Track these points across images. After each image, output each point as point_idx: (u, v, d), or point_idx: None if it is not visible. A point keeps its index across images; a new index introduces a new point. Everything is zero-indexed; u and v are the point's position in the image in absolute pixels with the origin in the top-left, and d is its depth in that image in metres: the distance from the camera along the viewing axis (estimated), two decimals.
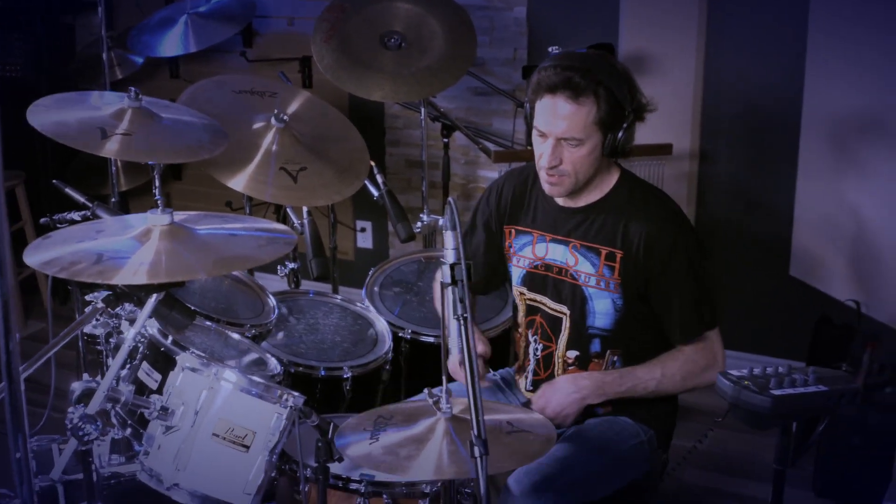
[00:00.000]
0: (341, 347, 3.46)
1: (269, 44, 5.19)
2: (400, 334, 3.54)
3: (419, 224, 4.22)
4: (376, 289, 3.76)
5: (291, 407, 2.42)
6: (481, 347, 2.96)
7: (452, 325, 2.13)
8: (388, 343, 3.47)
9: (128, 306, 2.71)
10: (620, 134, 2.73)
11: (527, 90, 2.80)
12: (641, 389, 2.82)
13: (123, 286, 2.45)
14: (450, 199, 2.13)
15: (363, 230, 5.42)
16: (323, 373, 3.29)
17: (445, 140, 4.48)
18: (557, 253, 2.90)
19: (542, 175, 2.80)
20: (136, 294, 2.46)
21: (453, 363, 2.94)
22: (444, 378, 2.36)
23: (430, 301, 3.71)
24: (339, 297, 3.71)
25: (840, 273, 4.16)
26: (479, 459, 2.02)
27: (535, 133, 2.78)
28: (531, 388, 3.00)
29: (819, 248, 4.30)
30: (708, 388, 2.76)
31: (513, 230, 3.01)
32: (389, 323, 3.56)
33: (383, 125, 5.17)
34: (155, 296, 2.32)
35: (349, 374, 3.29)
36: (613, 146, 2.74)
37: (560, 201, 2.89)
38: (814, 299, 4.30)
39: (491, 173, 5.04)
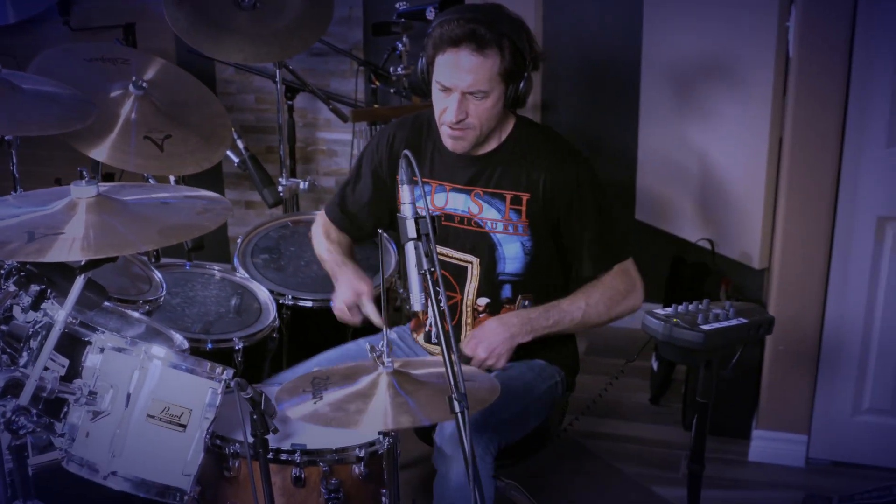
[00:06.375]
0: (226, 319, 3.34)
1: (88, 12, 4.94)
2: (281, 301, 3.46)
3: (280, 188, 4.12)
4: (246, 257, 3.64)
5: (225, 380, 2.32)
6: (365, 287, 2.92)
7: (414, 280, 2.08)
8: (272, 311, 3.38)
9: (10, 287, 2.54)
10: (522, 84, 2.74)
11: (425, 45, 2.75)
12: (569, 321, 2.82)
13: (33, 266, 2.30)
14: (406, 151, 2.08)
15: None
16: (210, 346, 3.17)
17: (290, 103, 4.40)
18: (458, 202, 2.88)
19: (445, 130, 2.77)
20: (46, 274, 2.30)
21: (340, 307, 2.92)
22: (385, 331, 2.36)
23: (305, 265, 3.64)
24: (217, 267, 3.57)
25: (689, 214, 4.29)
26: (460, 414, 1.98)
27: (436, 88, 2.73)
28: (435, 340, 2.97)
29: (665, 191, 4.42)
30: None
31: None
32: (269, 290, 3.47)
33: (215, 91, 5.01)
34: (83, 276, 2.17)
35: (241, 346, 3.19)
36: (515, 97, 2.75)
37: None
38: (664, 241, 4.42)
39: (329, 135, 4.99)
